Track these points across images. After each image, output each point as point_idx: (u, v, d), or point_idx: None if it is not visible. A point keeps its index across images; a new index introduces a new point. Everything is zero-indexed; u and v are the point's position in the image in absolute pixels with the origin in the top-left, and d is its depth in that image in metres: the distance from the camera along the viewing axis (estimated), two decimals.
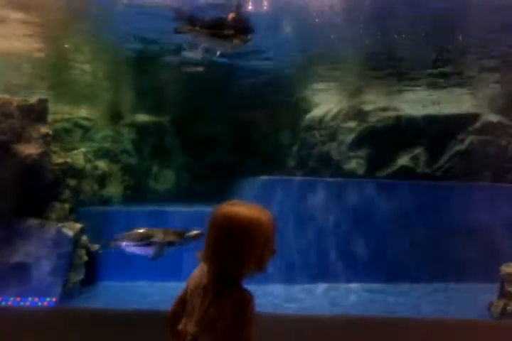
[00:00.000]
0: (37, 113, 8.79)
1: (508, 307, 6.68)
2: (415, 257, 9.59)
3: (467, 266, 9.17)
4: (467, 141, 11.04)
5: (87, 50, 9.58)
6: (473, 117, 11.18)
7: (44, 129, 8.79)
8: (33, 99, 8.88)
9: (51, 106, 9.36)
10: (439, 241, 9.75)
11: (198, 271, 1.92)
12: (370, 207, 9.99)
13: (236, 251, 1.80)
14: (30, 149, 8.38)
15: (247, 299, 1.77)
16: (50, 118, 9.35)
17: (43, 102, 9.01)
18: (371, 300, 8.51)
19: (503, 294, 6.96)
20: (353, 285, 9.31)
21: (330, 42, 8.56)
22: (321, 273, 9.52)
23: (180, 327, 1.87)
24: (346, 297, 8.72)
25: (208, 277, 1.84)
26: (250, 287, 1.84)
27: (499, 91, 11.17)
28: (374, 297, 8.72)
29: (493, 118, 11.18)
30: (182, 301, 1.94)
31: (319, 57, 9.61)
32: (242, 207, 1.86)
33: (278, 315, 5.65)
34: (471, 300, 8.09)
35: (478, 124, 11.07)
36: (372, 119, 11.41)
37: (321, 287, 9.23)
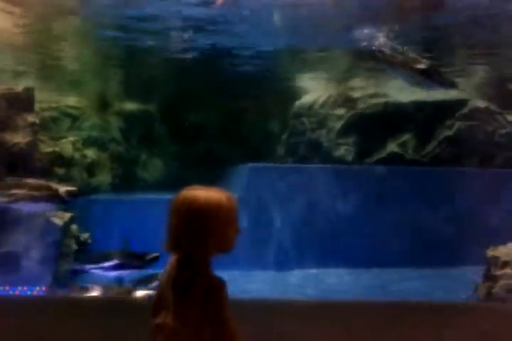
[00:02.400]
0: (23, 102, 8.69)
1: (493, 290, 6.80)
2: (403, 242, 9.70)
3: (455, 250, 9.30)
4: (455, 127, 11.11)
5: (73, 37, 9.46)
6: (461, 103, 11.23)
7: (31, 118, 8.71)
8: (19, 88, 8.77)
9: (38, 95, 9.26)
10: (427, 225, 9.86)
11: (168, 263, 1.89)
12: (360, 192, 10.07)
13: (196, 235, 1.77)
14: (17, 138, 8.31)
15: (217, 286, 1.73)
16: (37, 106, 9.25)
17: (29, 91, 8.91)
18: (364, 285, 8.64)
19: (488, 277, 7.09)
20: (343, 271, 9.41)
21: (319, 30, 8.54)
22: (310, 258, 9.61)
23: (158, 321, 1.84)
24: (342, 282, 8.84)
25: (175, 267, 1.82)
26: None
27: (487, 78, 11.22)
28: (365, 282, 8.84)
29: (481, 104, 11.25)
30: (160, 295, 1.89)
31: (308, 44, 9.58)
32: (200, 191, 1.83)
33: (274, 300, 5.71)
34: (459, 283, 8.22)
35: (465, 110, 11.14)
36: (361, 106, 11.43)
37: (312, 272, 9.33)
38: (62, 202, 6.98)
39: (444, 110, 11.12)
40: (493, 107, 11.30)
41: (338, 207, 9.93)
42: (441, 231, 9.77)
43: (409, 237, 9.73)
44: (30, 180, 7.00)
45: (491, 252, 7.22)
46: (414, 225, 9.87)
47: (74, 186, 6.98)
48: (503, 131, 11.15)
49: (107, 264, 7.14)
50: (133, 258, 7.19)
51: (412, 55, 7.42)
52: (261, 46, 9.67)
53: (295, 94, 12.90)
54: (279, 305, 4.61)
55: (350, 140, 11.38)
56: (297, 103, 12.72)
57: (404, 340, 3.85)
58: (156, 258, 7.11)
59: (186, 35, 8.78)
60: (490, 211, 9.68)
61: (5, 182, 6.98)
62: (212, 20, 8.24)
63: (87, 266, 7.21)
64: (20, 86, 8.87)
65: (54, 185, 7.03)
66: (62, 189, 6.86)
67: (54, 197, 6.89)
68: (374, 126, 11.19)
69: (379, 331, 3.89)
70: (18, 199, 6.91)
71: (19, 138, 8.27)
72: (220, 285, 1.74)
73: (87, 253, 7.44)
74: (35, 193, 6.89)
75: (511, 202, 9.83)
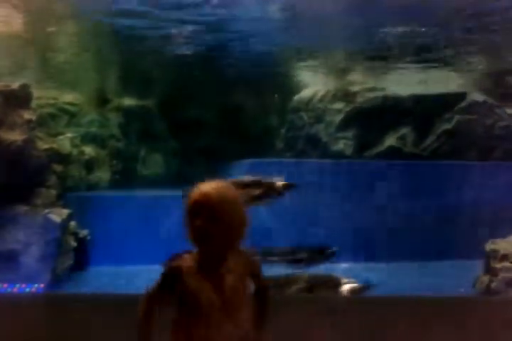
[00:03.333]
0: (20, 98, 8.67)
1: (493, 283, 6.81)
2: (404, 236, 9.69)
3: (455, 244, 9.31)
4: (454, 121, 11.08)
5: (71, 32, 9.41)
6: (459, 96, 11.20)
7: (28, 115, 8.68)
8: (16, 85, 8.74)
9: (35, 91, 9.23)
10: (426, 219, 9.86)
11: None
12: (359, 187, 10.05)
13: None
14: (14, 135, 8.28)
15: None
16: (34, 103, 9.23)
17: (25, 88, 8.88)
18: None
19: (487, 270, 7.09)
20: (343, 265, 9.40)
21: (317, 23, 8.51)
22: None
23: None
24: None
25: None
26: None
27: (485, 71, 11.20)
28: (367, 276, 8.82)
29: (479, 97, 11.21)
30: None
31: (307, 39, 9.55)
32: (208, 186, 1.96)
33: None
34: (458, 277, 8.22)
35: (464, 103, 11.11)
36: (360, 100, 11.39)
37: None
38: (278, 196, 6.80)
39: (443, 103, 11.08)
40: (491, 100, 11.26)
41: (338, 201, 9.92)
42: (439, 225, 9.79)
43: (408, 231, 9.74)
44: (247, 177, 6.85)
45: (490, 245, 7.22)
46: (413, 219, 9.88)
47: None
48: (503, 124, 11.11)
49: (290, 258, 7.03)
50: (314, 253, 7.09)
51: None
52: (260, 41, 9.64)
53: (294, 88, 12.86)
54: None
55: (349, 134, 11.35)
56: (296, 97, 12.68)
57: (405, 334, 3.85)
58: (334, 253, 7.05)
59: (185, 30, 8.75)
60: (488, 204, 9.66)
61: (242, 181, 6.82)
62: (212, 16, 8.21)
63: (272, 260, 7.06)
64: (16, 83, 8.84)
65: (268, 179, 6.88)
66: (279, 183, 6.71)
67: (271, 192, 6.71)
68: (373, 120, 11.16)
69: (383, 326, 3.89)
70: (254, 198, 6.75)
71: (16, 136, 8.24)
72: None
73: (271, 248, 7.33)
74: (257, 190, 6.73)
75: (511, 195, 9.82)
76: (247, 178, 6.75)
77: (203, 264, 1.92)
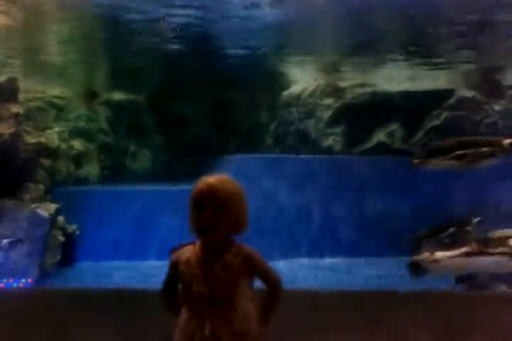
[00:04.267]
0: (6, 92, 8.59)
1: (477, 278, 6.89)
2: (388, 231, 9.77)
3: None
4: (442, 117, 11.14)
5: (59, 26, 9.29)
6: (448, 93, 11.26)
7: (15, 109, 8.61)
8: (2, 78, 8.66)
9: (22, 85, 9.14)
10: (412, 215, 9.94)
11: None
12: (348, 183, 10.09)
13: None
14: (1, 129, 8.22)
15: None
16: (21, 97, 9.15)
17: (12, 81, 8.80)
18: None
19: None
20: (334, 260, 9.47)
21: (307, 19, 8.50)
22: (297, 249, 9.66)
23: None
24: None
25: None
26: None
27: (473, 67, 11.26)
28: (352, 271, 8.90)
29: (468, 93, 11.28)
30: None
31: (296, 35, 9.54)
32: (213, 179, 2.01)
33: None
34: None
35: (452, 100, 11.17)
36: (349, 96, 11.41)
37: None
38: (506, 154, 6.57)
39: (431, 100, 11.13)
40: (479, 97, 11.33)
41: (325, 197, 9.96)
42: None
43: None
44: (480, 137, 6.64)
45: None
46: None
47: None
48: (490, 121, 11.20)
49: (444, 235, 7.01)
50: (464, 226, 7.04)
51: None
52: (250, 36, 9.60)
53: (284, 84, 12.86)
54: None
55: (338, 130, 11.38)
56: (286, 92, 12.68)
57: (390, 329, 3.89)
58: (481, 222, 7.00)
59: (174, 25, 8.70)
60: (471, 201, 9.76)
61: (469, 140, 6.57)
62: (200, 10, 8.16)
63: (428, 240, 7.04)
64: (3, 76, 8.76)
65: (493, 138, 6.65)
66: (506, 141, 6.46)
67: (498, 151, 6.48)
68: (362, 115, 11.18)
69: (369, 321, 3.92)
70: (473, 160, 6.48)
71: (3, 129, 8.17)
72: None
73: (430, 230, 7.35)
74: (484, 150, 6.48)
75: (499, 191, 9.92)
76: (473, 137, 6.64)
77: (202, 257, 1.93)
